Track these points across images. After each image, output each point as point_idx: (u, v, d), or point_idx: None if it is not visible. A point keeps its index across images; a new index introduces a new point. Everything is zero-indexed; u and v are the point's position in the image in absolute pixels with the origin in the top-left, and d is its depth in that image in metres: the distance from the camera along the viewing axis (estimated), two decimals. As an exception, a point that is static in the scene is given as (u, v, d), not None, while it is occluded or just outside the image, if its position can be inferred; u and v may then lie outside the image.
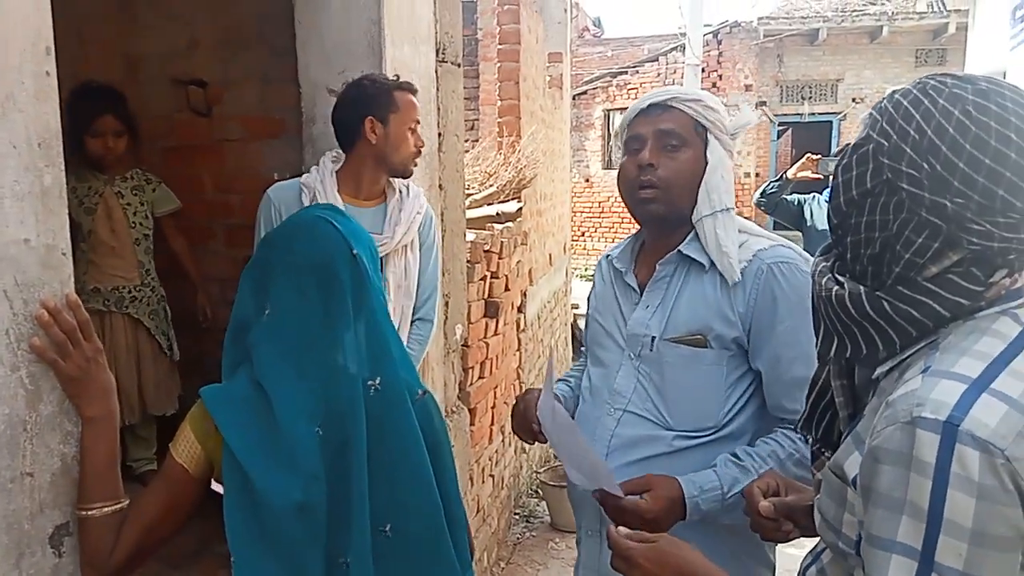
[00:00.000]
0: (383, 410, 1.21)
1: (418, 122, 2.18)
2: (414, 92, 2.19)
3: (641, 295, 1.53)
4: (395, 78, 2.20)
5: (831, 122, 13.09)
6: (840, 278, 0.95)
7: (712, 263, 1.45)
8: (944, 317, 0.86)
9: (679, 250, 1.48)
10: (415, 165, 2.20)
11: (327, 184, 2.14)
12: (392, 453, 1.22)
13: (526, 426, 1.60)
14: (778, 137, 13.88)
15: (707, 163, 1.47)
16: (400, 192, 2.22)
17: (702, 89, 1.69)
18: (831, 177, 4.17)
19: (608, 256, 1.69)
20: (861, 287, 0.91)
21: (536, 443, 1.63)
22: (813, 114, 13.05)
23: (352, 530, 1.17)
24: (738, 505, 1.35)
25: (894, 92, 0.92)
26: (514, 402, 1.69)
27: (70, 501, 1.29)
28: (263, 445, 1.15)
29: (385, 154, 2.14)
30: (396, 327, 2.17)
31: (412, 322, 2.30)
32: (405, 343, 2.25)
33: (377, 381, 1.21)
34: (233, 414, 1.17)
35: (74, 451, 1.29)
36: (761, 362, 1.43)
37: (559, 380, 1.77)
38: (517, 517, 4.43)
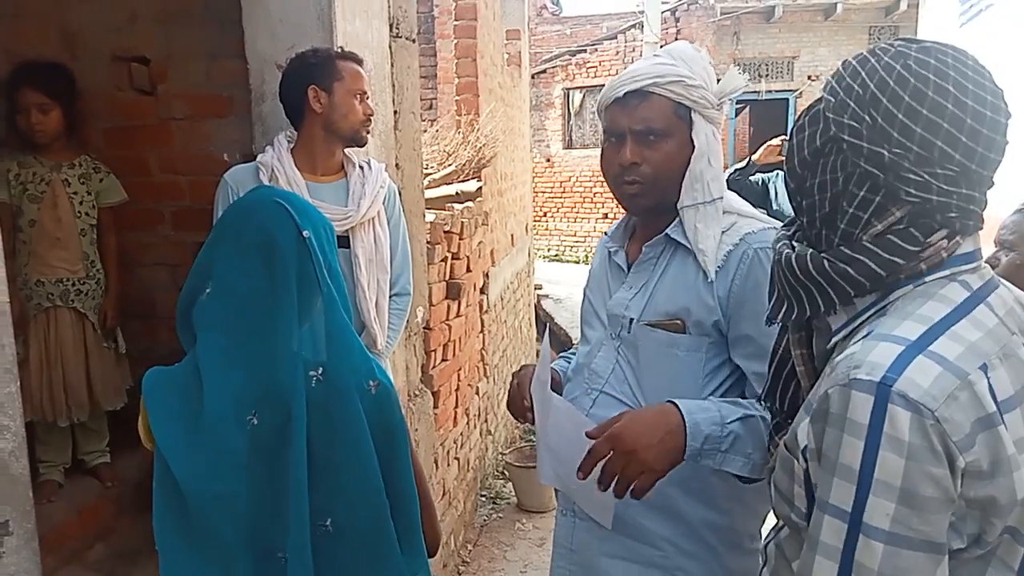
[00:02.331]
0: (327, 400, 1.18)
1: (365, 92, 2.15)
2: (359, 62, 2.15)
3: (628, 275, 1.48)
4: (339, 49, 2.16)
5: (787, 100, 13.23)
6: (796, 244, 0.97)
7: None
8: (879, 276, 0.88)
9: (666, 233, 1.42)
10: (367, 133, 2.18)
11: (284, 161, 2.11)
12: (335, 445, 1.18)
13: (518, 403, 1.54)
14: (736, 115, 13.99)
15: (694, 147, 1.37)
16: (362, 167, 2.21)
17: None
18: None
19: (606, 234, 1.63)
20: (809, 250, 0.93)
21: (527, 423, 1.55)
22: (770, 92, 13.18)
23: (289, 523, 1.14)
24: (739, 442, 1.24)
25: (848, 58, 0.94)
26: (510, 377, 1.64)
27: (8, 499, 1.23)
28: (188, 431, 1.11)
29: (333, 121, 2.11)
30: (374, 301, 2.17)
31: (390, 297, 2.30)
32: (386, 316, 2.26)
33: (320, 371, 1.18)
34: (164, 399, 1.14)
35: (12, 446, 1.23)
36: (741, 353, 1.36)
37: (560, 356, 1.71)
38: (483, 499, 4.42)
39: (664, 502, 1.36)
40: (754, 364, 1.33)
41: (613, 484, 1.20)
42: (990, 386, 0.80)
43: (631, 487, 1.19)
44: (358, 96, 2.13)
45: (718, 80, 1.40)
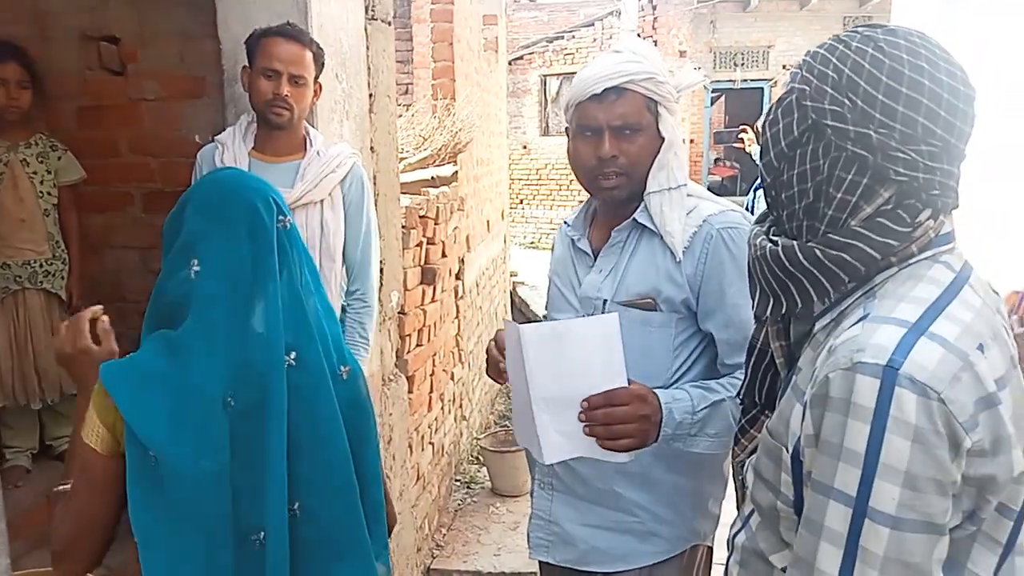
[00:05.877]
0: (300, 385, 1.17)
1: (277, 71, 2.03)
2: (286, 36, 2.05)
3: (595, 260, 1.57)
4: (289, 25, 2.09)
5: (762, 89, 13.31)
6: (775, 238, 0.96)
7: None
8: (874, 259, 0.87)
9: (634, 218, 1.51)
10: (277, 114, 2.06)
11: (236, 138, 2.11)
12: (306, 429, 1.18)
13: (494, 363, 1.55)
14: (711, 104, 14.06)
15: (663, 140, 1.48)
16: (319, 152, 2.14)
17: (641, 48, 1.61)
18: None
19: (565, 223, 1.72)
20: (794, 242, 0.92)
21: (505, 382, 1.53)
22: (745, 80, 13.25)
23: (267, 505, 1.13)
24: (707, 425, 1.40)
25: (813, 48, 0.94)
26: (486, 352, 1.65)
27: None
28: (168, 415, 1.10)
29: (249, 101, 2.09)
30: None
31: (351, 296, 2.22)
32: (337, 312, 2.17)
33: (292, 356, 1.17)
34: (132, 387, 1.11)
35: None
36: (713, 324, 1.47)
37: None
38: (458, 483, 4.43)
39: (641, 470, 1.46)
40: (723, 333, 1.46)
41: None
42: (987, 366, 0.81)
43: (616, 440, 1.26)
44: (270, 74, 2.03)
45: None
